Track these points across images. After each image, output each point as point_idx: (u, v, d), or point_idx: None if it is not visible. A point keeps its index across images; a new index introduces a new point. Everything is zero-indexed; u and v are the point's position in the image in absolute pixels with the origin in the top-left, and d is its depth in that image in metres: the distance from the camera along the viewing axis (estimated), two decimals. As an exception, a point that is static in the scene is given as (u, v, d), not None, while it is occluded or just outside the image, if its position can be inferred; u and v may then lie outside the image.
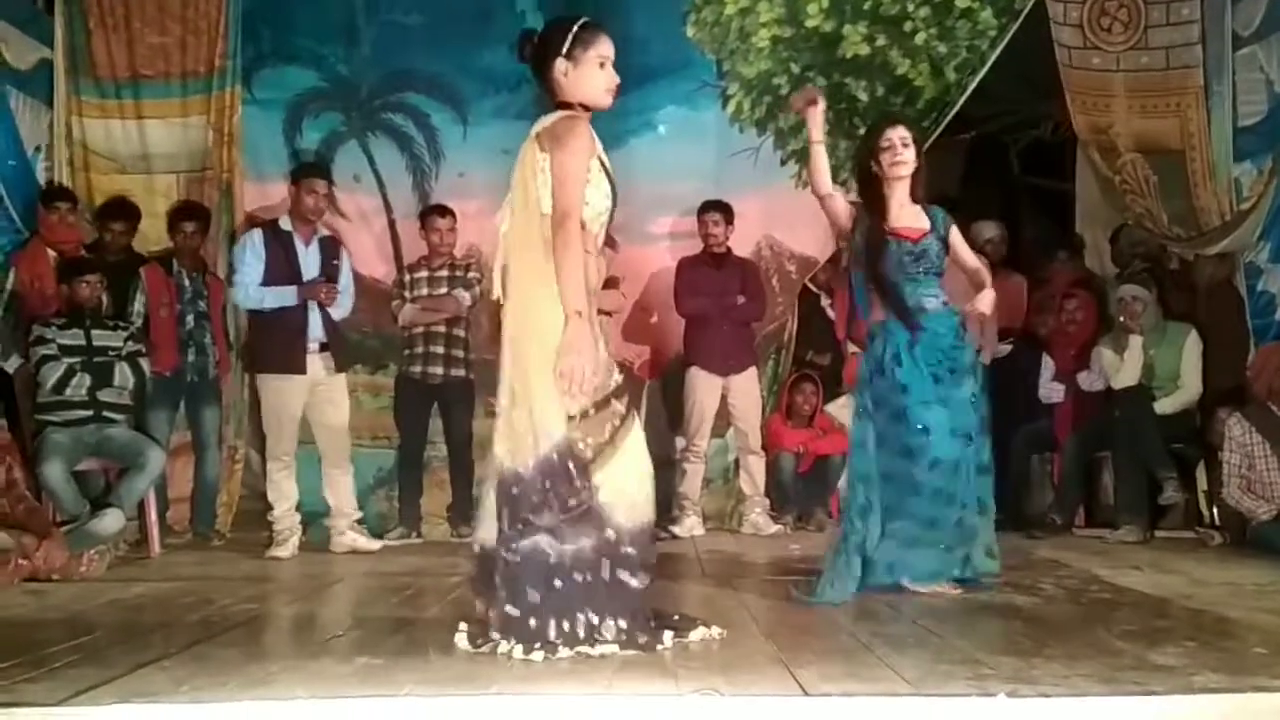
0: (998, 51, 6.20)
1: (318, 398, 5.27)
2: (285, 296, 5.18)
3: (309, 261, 5.28)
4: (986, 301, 3.94)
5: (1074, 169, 7.06)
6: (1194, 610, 3.55)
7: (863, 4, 6.28)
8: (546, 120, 2.99)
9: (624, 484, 2.91)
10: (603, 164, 3.00)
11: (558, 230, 2.88)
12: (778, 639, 3.08)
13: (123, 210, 5.80)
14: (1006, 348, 6.27)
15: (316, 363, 5.24)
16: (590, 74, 2.96)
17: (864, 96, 6.31)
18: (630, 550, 2.90)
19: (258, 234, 5.29)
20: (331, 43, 6.34)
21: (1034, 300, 6.46)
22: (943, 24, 6.23)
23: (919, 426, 3.74)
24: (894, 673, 2.58)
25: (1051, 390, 6.23)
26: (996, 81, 6.31)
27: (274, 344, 5.20)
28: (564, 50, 2.95)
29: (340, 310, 5.36)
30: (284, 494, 5.26)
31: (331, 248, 5.42)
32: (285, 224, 5.30)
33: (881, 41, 6.28)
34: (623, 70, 5.94)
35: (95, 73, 6.21)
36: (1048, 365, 6.28)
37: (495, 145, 6.19)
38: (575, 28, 2.97)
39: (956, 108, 6.26)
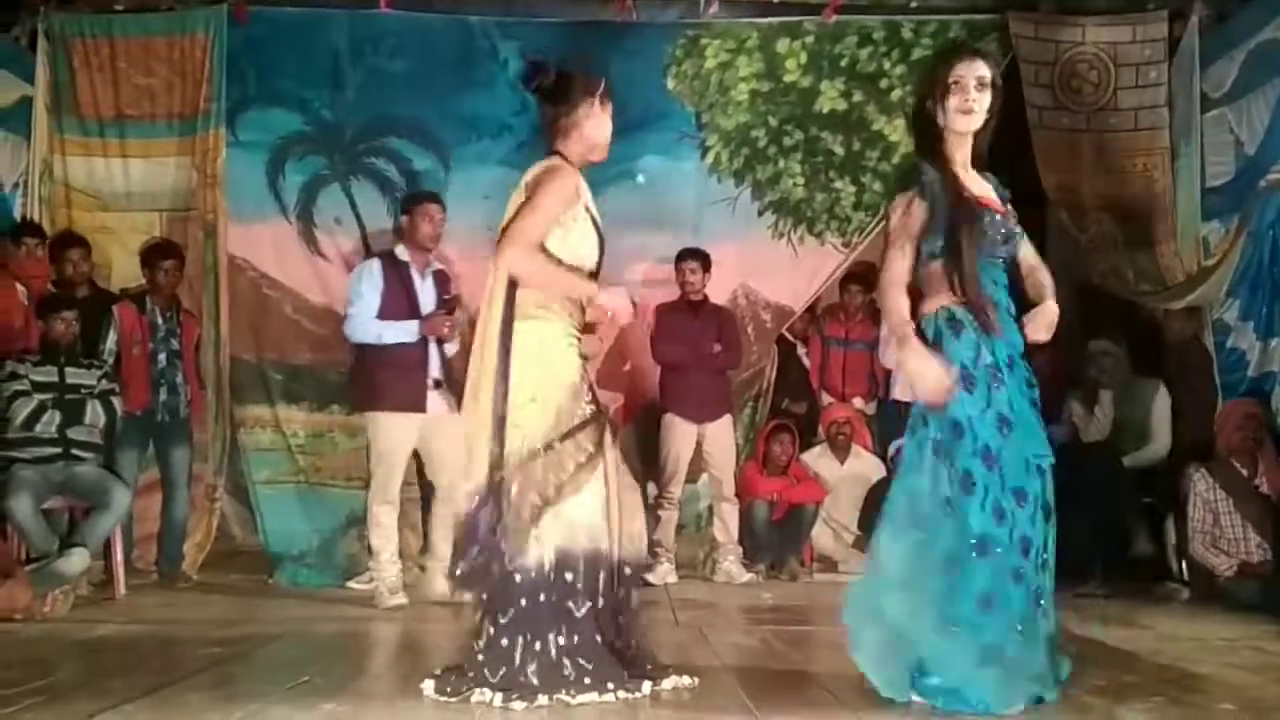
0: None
1: (438, 436, 4.91)
2: (406, 332, 4.91)
3: (425, 294, 5.04)
4: (1044, 324, 2.98)
5: (1044, 225, 7.16)
6: (1161, 665, 3.57)
7: (840, 60, 6.41)
8: (537, 167, 3.13)
9: (573, 514, 2.96)
10: (590, 213, 3.12)
11: (509, 246, 2.99)
12: (749, 689, 3.08)
13: (73, 240, 5.77)
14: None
15: (436, 400, 4.98)
16: (606, 122, 3.18)
17: (840, 150, 6.42)
18: (568, 576, 2.93)
19: (376, 264, 5.04)
20: (316, 87, 6.37)
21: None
22: (918, 81, 6.34)
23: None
24: (862, 725, 2.59)
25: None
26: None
27: (392, 380, 4.87)
28: (598, 94, 3.14)
29: (452, 346, 5.07)
30: (390, 538, 4.94)
31: (444, 281, 5.19)
32: (402, 254, 5.06)
33: (858, 97, 6.40)
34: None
35: (79, 111, 6.23)
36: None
37: (477, 191, 6.27)
38: (605, 80, 3.18)
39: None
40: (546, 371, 3.00)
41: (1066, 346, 6.46)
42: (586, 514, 2.98)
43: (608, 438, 3.07)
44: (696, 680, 3.11)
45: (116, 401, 5.33)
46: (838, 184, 6.40)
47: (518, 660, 2.88)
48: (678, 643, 3.96)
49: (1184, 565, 5.52)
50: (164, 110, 6.24)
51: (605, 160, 3.24)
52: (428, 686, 2.97)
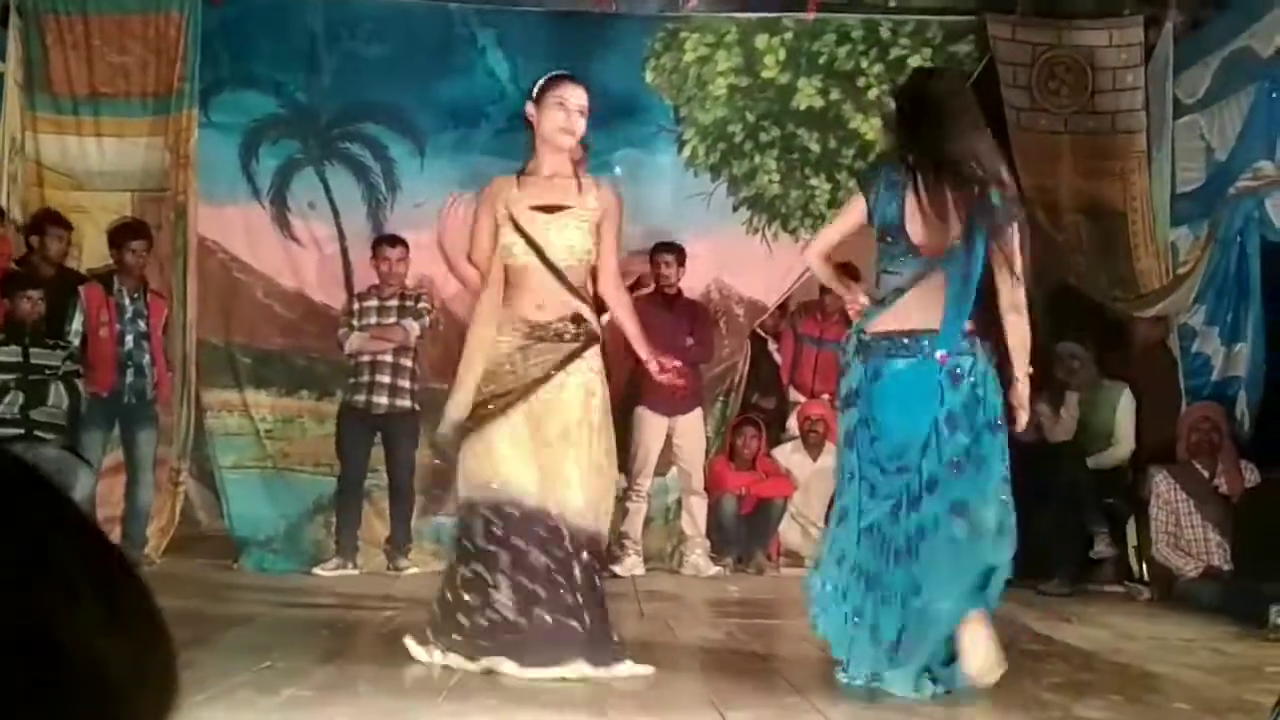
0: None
1: None
2: None
3: None
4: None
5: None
6: (1120, 664, 3.61)
7: (818, 58, 6.42)
8: None
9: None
10: (509, 212, 3.37)
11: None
12: (712, 681, 3.09)
13: (58, 220, 5.70)
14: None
15: None
16: (549, 114, 3.36)
17: (816, 147, 6.43)
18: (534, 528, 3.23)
19: None
20: (291, 70, 6.32)
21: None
22: (895, 80, 6.35)
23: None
24: (824, 718, 2.60)
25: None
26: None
27: None
28: (533, 95, 3.42)
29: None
30: None
31: None
32: None
33: (835, 95, 6.42)
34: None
35: (52, 89, 6.14)
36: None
37: (452, 178, 6.23)
38: (544, 78, 3.44)
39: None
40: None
41: (1035, 348, 6.54)
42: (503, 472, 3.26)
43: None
44: (652, 670, 3.12)
45: (80, 383, 5.28)
46: (813, 181, 6.42)
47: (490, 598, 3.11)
48: (643, 635, 3.97)
49: (1145, 566, 5.59)
50: (138, 89, 6.16)
51: (574, 148, 3.40)
52: (412, 645, 3.18)
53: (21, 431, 5.06)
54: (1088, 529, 5.57)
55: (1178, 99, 6.12)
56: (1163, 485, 5.20)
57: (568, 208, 3.36)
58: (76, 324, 5.48)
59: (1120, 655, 3.77)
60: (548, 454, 3.20)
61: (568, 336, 3.32)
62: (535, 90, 3.40)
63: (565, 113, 3.34)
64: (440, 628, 3.17)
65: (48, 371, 5.17)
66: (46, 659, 0.41)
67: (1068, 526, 5.61)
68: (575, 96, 3.36)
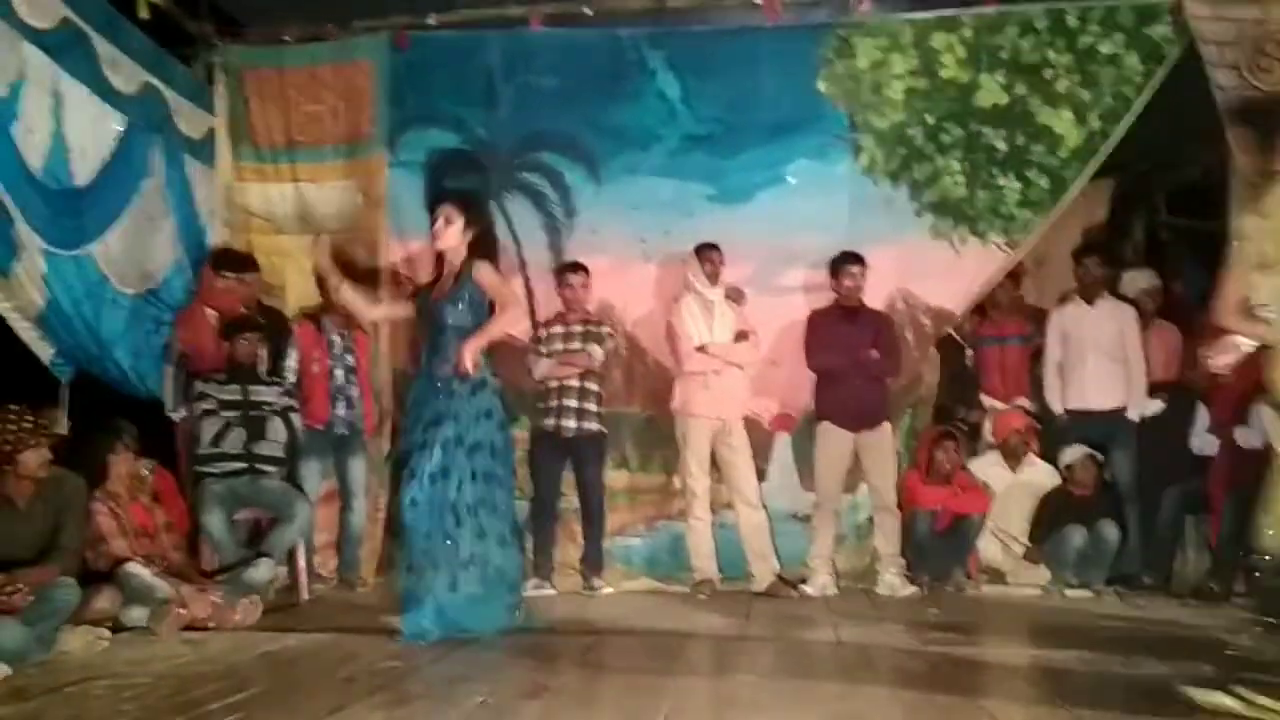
0: (1146, 96, 6.00)
1: None
2: None
3: None
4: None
5: (1225, 211, 6.73)
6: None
7: (1000, 52, 6.16)
8: None
9: None
10: None
11: None
12: (906, 706, 3.00)
13: (251, 263, 6.01)
14: (1159, 404, 6.05)
15: None
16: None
17: (1003, 146, 6.17)
18: None
19: None
20: (471, 106, 6.52)
21: (1187, 351, 6.20)
22: (1085, 70, 6.06)
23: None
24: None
25: (1205, 442, 5.98)
26: (1141, 126, 6.10)
27: None
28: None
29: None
30: None
31: None
32: None
33: (1020, 90, 6.15)
34: (753, 125, 6.01)
35: (254, 140, 6.58)
36: (1202, 416, 6.03)
37: (626, 202, 6.34)
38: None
39: (1103, 156, 6.08)
40: None
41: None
42: None
43: None
44: None
45: (296, 418, 5.61)
46: (1001, 181, 6.16)
47: None
48: (839, 659, 3.91)
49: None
50: (330, 135, 6.52)
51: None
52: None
53: (245, 465, 5.42)
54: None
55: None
56: None
57: None
58: (292, 361, 5.83)
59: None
60: None
61: None
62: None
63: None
64: None
65: (265, 408, 5.52)
66: None
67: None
68: None
